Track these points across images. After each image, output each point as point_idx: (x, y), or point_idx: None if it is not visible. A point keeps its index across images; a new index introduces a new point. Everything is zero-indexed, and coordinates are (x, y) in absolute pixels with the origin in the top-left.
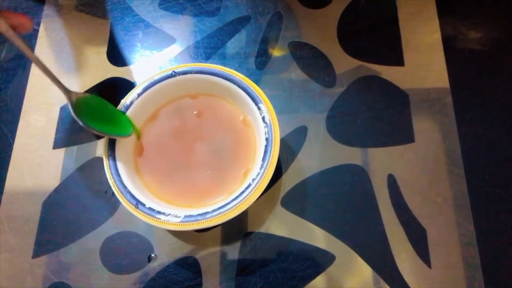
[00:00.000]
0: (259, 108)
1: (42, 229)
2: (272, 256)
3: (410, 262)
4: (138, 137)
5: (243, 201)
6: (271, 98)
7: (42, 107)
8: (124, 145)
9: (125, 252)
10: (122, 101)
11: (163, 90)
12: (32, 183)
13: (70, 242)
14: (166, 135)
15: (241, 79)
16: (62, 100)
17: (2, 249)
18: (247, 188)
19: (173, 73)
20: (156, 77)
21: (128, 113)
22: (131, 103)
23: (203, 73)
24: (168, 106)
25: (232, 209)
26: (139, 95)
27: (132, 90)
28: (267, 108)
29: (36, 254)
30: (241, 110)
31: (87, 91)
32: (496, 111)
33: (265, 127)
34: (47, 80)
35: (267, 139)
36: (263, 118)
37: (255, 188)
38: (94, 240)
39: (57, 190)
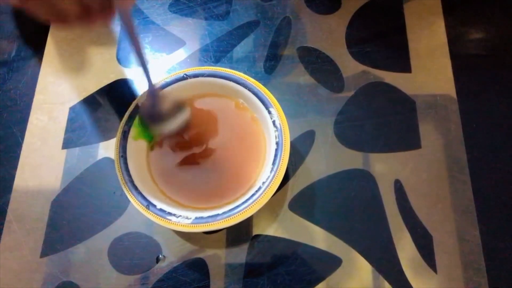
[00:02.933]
0: (269, 112)
1: (50, 229)
2: (280, 259)
3: (416, 267)
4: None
5: (253, 204)
6: (279, 102)
7: (52, 106)
8: (135, 147)
9: (133, 253)
10: (134, 103)
11: (174, 92)
12: (41, 183)
13: (79, 241)
14: (177, 137)
15: (252, 83)
16: (71, 100)
17: (11, 248)
18: (257, 191)
19: (184, 75)
20: (168, 80)
21: (140, 114)
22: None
23: (215, 77)
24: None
25: (242, 211)
26: None
27: (143, 92)
28: (277, 112)
29: (45, 253)
30: (250, 111)
31: (97, 92)
32: (501, 119)
33: (275, 131)
34: (52, 80)
35: (277, 143)
36: (274, 122)
37: (265, 191)
38: (102, 240)
39: (66, 190)
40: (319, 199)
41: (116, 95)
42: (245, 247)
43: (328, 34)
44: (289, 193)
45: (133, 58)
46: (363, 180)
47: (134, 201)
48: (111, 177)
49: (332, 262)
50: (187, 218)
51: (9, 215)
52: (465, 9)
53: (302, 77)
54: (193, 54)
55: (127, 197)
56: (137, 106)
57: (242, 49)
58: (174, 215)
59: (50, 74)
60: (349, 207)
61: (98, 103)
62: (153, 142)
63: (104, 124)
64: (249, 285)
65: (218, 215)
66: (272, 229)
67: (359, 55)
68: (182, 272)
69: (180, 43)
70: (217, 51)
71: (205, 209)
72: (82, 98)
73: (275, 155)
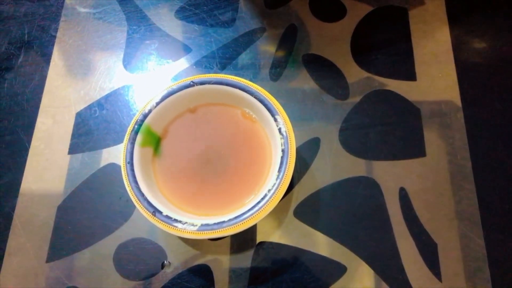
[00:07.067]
0: (275, 120)
1: (56, 234)
2: (285, 266)
3: (421, 275)
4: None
5: (259, 211)
6: (284, 109)
7: (58, 111)
8: (142, 153)
9: (138, 259)
10: (141, 110)
11: (181, 99)
12: (47, 188)
13: (84, 247)
14: (183, 144)
15: (258, 91)
16: (77, 105)
17: (16, 252)
18: (263, 198)
19: (191, 83)
20: (175, 87)
21: (147, 121)
22: (150, 111)
23: (221, 84)
24: (185, 116)
25: (249, 218)
26: (157, 103)
27: (150, 99)
28: (283, 119)
29: (51, 258)
30: (256, 119)
31: (103, 97)
32: (506, 126)
33: (281, 138)
34: (58, 85)
35: (283, 150)
36: (280, 130)
37: (271, 199)
38: (108, 245)
39: (71, 195)
40: (324, 206)
41: (122, 101)
42: (249, 253)
43: (333, 41)
44: (294, 200)
45: (138, 64)
46: (368, 188)
47: (140, 208)
48: (117, 183)
49: (336, 270)
50: (193, 225)
51: (15, 220)
52: (470, 16)
53: (307, 84)
54: (198, 61)
55: (132, 203)
56: (144, 113)
57: (247, 56)
58: (180, 222)
59: (57, 80)
60: (354, 214)
61: (104, 108)
62: (160, 149)
63: (110, 130)
64: None
65: (224, 222)
66: (277, 236)
67: (364, 63)
68: (186, 278)
69: (186, 49)
70: (223, 58)
71: (211, 216)
72: (88, 103)
73: (281, 163)
